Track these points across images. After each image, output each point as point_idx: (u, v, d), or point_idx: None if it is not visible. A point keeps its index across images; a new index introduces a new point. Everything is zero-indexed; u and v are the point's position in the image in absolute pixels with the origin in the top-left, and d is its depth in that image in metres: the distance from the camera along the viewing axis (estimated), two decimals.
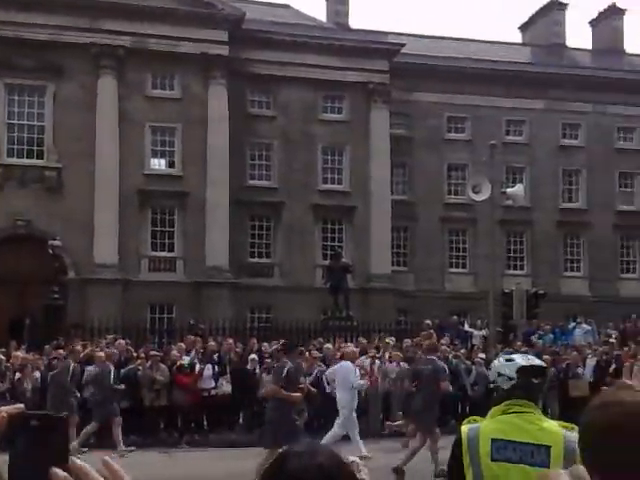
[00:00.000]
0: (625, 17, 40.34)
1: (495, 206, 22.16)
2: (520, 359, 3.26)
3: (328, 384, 15.35)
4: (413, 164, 33.19)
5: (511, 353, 10.09)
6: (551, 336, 22.84)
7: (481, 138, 30.83)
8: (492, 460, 3.00)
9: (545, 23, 39.43)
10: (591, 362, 18.94)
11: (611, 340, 21.03)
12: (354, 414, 13.01)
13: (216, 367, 16.23)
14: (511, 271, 32.73)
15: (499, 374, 3.17)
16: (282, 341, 13.21)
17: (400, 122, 32.96)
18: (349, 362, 13.40)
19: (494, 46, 37.18)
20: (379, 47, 31.71)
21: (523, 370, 3.14)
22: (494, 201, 21.35)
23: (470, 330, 23.77)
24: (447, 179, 33.79)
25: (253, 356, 16.84)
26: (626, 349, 19.38)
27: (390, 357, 17.66)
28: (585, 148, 34.86)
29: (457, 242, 33.62)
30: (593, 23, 41.08)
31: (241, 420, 16.59)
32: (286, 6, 35.52)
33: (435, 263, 32.63)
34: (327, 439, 12.06)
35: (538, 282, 30.17)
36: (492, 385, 3.26)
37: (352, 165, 31.64)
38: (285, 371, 10.56)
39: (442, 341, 19.39)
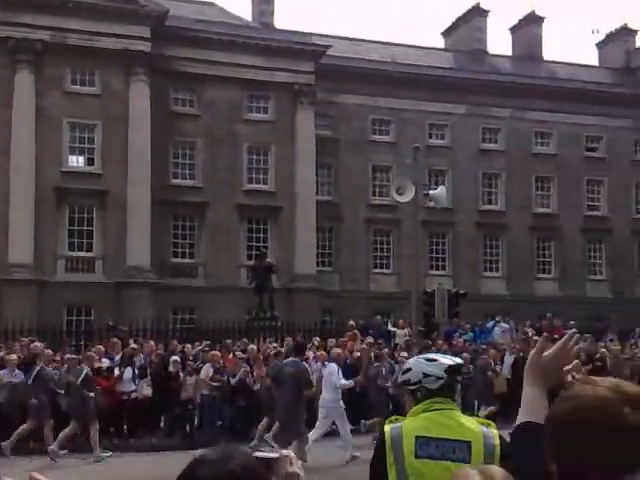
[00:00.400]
0: (544, 25, 41.76)
1: (418, 207, 22.40)
2: (444, 359, 3.28)
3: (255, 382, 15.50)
4: (338, 165, 33.40)
5: (426, 354, 10.72)
6: (471, 334, 23.35)
7: (405, 141, 31.30)
8: (416, 457, 3.00)
9: (467, 29, 40.34)
10: (509, 359, 19.45)
11: (534, 337, 21.66)
12: (343, 414, 13.33)
13: (136, 370, 15.85)
14: (433, 271, 33.33)
15: (425, 375, 3.15)
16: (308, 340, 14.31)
17: (326, 123, 33.11)
18: (334, 363, 13.73)
19: (418, 51, 37.82)
20: (305, 48, 31.76)
21: (450, 369, 3.17)
22: (417, 203, 21.62)
23: (393, 329, 24.03)
24: (372, 180, 34.14)
25: (175, 358, 16.52)
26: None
27: (315, 357, 17.66)
28: (504, 152, 35.84)
29: (381, 243, 34.02)
30: (513, 30, 42.29)
31: (162, 424, 16.23)
32: (211, 4, 35.19)
33: (360, 263, 32.92)
34: (346, 442, 12.73)
35: (459, 282, 30.83)
36: (414, 386, 3.20)
37: (277, 165, 31.57)
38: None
39: (365, 341, 19.57)
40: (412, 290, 21.05)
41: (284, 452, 1.91)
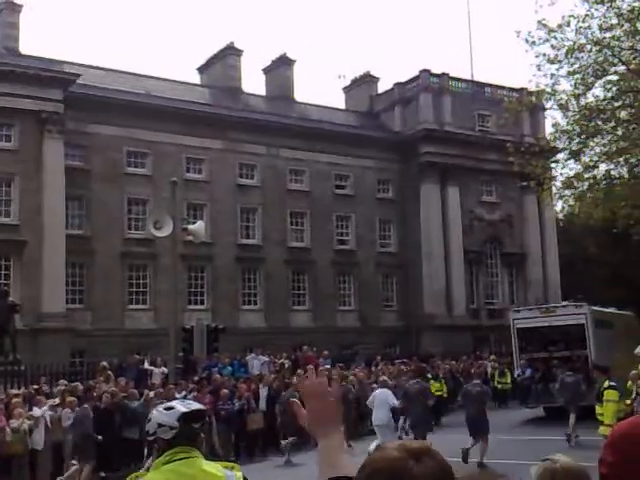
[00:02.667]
0: (295, 67, 43.73)
1: (176, 242, 22.08)
2: (180, 406, 3.14)
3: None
4: (91, 197, 31.89)
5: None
6: (230, 369, 23.31)
7: (162, 174, 30.84)
8: None
9: (222, 67, 41.02)
10: (264, 392, 19.69)
11: (286, 365, 22.15)
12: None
13: None
14: (192, 306, 32.94)
15: (159, 425, 3.03)
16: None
17: (76, 154, 31.57)
18: (385, 389, 16.39)
19: (172, 84, 37.65)
20: (53, 75, 30.18)
21: (184, 417, 3.04)
22: (175, 237, 21.28)
23: (150, 368, 23.22)
24: (127, 213, 33.03)
25: None
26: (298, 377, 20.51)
27: (64, 403, 16.42)
28: (260, 188, 36.72)
29: (137, 278, 32.91)
30: (266, 70, 43.78)
31: None
32: None
33: (114, 299, 31.50)
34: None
35: (218, 316, 30.78)
36: (152, 437, 3.04)
37: (22, 197, 29.37)
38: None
39: (121, 382, 18.68)
40: (170, 326, 20.55)
41: None
